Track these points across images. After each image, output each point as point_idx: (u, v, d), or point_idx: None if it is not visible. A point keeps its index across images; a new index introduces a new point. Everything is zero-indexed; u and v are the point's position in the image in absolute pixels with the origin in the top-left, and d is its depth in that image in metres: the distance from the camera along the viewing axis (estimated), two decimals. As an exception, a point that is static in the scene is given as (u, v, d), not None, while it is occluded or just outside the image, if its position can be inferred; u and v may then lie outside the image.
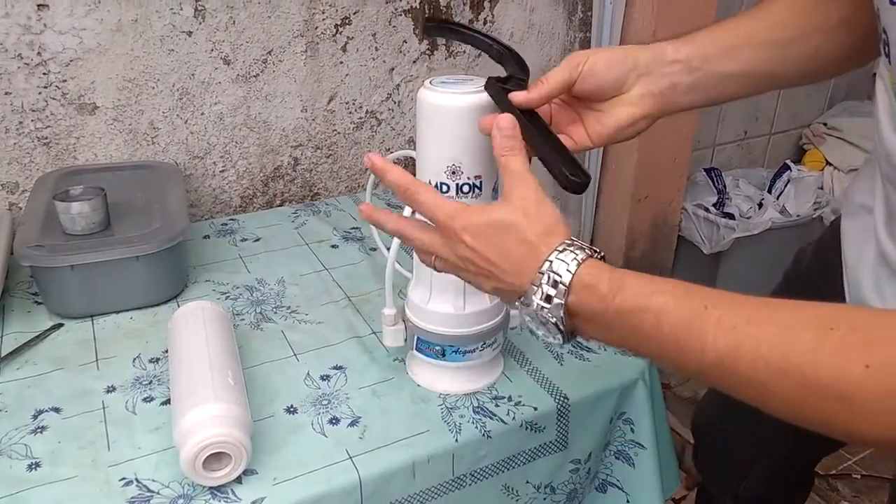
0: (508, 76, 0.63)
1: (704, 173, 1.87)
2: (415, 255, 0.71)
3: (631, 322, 0.44)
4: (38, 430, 0.68)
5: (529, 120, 0.58)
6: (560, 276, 0.46)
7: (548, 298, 0.46)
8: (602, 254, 0.48)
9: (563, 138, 0.61)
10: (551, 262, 0.47)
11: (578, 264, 0.46)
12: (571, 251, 0.47)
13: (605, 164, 1.55)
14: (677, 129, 1.49)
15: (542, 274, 0.47)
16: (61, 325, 0.84)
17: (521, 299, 0.49)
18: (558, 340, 0.48)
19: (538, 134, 0.57)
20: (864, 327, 0.37)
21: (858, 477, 1.45)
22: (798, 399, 0.38)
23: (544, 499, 0.77)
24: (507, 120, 0.53)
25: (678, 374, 0.45)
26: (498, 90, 0.61)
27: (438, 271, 0.55)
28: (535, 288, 0.47)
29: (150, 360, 0.78)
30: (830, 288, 0.70)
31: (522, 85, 0.61)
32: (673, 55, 0.60)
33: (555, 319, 0.46)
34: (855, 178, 0.69)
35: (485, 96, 0.63)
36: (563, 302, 0.46)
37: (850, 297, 0.67)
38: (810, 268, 0.82)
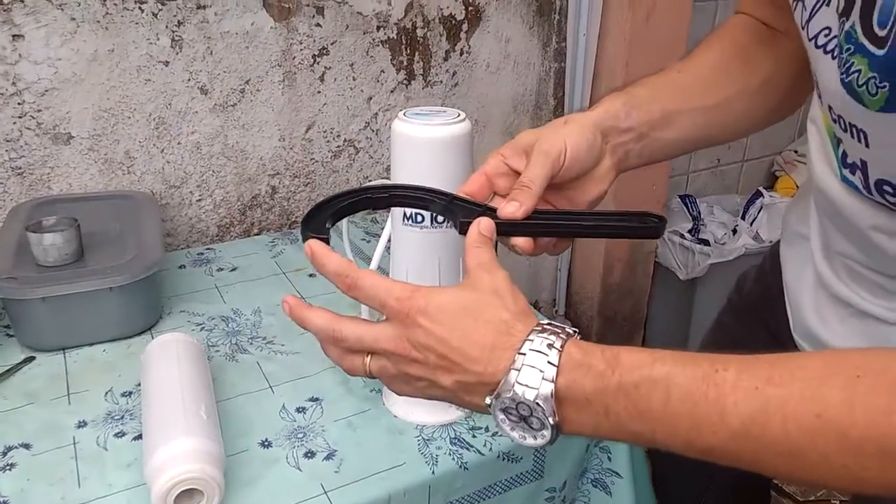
0: (474, 203, 0.56)
1: (679, 200, 1.89)
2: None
3: (635, 398, 0.38)
4: (7, 467, 0.67)
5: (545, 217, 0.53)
6: (547, 354, 0.39)
7: (530, 384, 0.39)
8: (580, 334, 0.42)
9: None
10: (532, 340, 0.40)
11: (564, 341, 0.40)
12: (553, 329, 0.41)
13: (582, 192, 1.56)
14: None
15: (523, 354, 0.40)
16: (33, 358, 0.83)
17: (493, 393, 0.41)
18: (544, 439, 0.41)
19: (572, 218, 0.55)
20: (887, 370, 0.35)
21: (837, 503, 1.45)
22: (836, 459, 0.34)
23: (522, 530, 0.77)
24: (487, 221, 0.50)
25: (691, 456, 0.38)
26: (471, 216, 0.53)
27: (369, 376, 0.47)
28: (515, 373, 0.40)
29: (123, 394, 0.77)
30: (772, 312, 0.73)
31: (490, 209, 0.54)
32: (625, 123, 0.59)
33: (541, 409, 0.39)
34: (790, 207, 0.73)
35: (458, 128, 0.64)
36: (552, 384, 0.39)
37: (792, 319, 0.69)
38: (753, 293, 0.84)
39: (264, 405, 0.76)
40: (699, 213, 1.88)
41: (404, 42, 1.26)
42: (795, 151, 2.06)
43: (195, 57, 1.08)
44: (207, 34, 1.08)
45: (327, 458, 0.69)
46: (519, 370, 0.39)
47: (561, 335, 0.40)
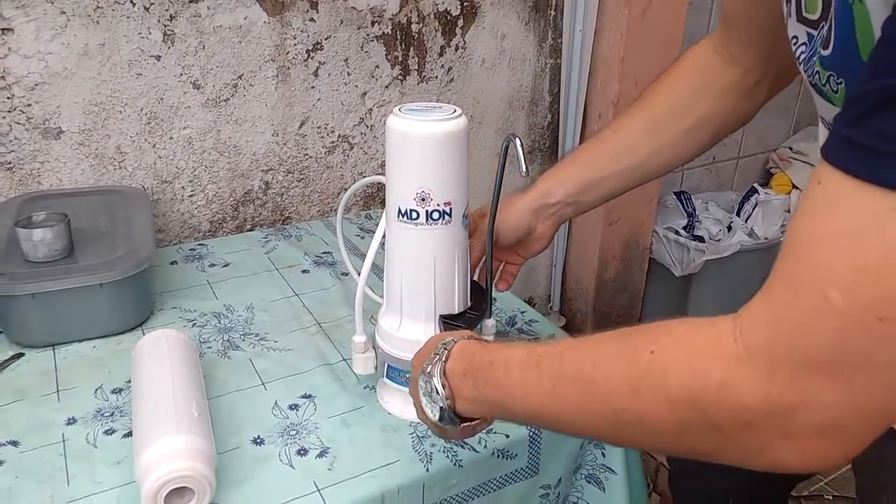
0: (461, 313, 0.71)
1: (674, 196, 1.89)
2: (385, 278, 0.71)
3: (489, 372, 0.49)
4: (-6, 465, 0.66)
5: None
6: (447, 345, 0.54)
7: (433, 365, 0.53)
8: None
9: (502, 284, 0.83)
10: (445, 341, 0.55)
11: (457, 340, 0.54)
12: (461, 334, 0.56)
13: (577, 188, 1.56)
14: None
15: (433, 354, 0.54)
16: (22, 354, 0.82)
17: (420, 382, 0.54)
18: (438, 404, 0.52)
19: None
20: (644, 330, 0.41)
21: (830, 498, 1.45)
22: (592, 403, 0.43)
23: (516, 525, 0.77)
24: None
25: (535, 423, 0.56)
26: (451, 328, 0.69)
27: None
28: (427, 364, 0.54)
29: (113, 391, 0.76)
30: None
31: (473, 319, 0.71)
32: (553, 198, 0.78)
33: (435, 379, 0.52)
34: None
35: (453, 123, 0.63)
36: (443, 361, 0.53)
37: None
38: None
39: (256, 402, 0.75)
40: (694, 209, 1.88)
41: (399, 37, 1.25)
42: (790, 149, 2.06)
43: (187, 51, 1.07)
44: (200, 28, 1.07)
45: (320, 455, 0.68)
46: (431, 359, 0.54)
47: (464, 335, 0.55)
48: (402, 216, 0.65)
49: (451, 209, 0.65)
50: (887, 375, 0.33)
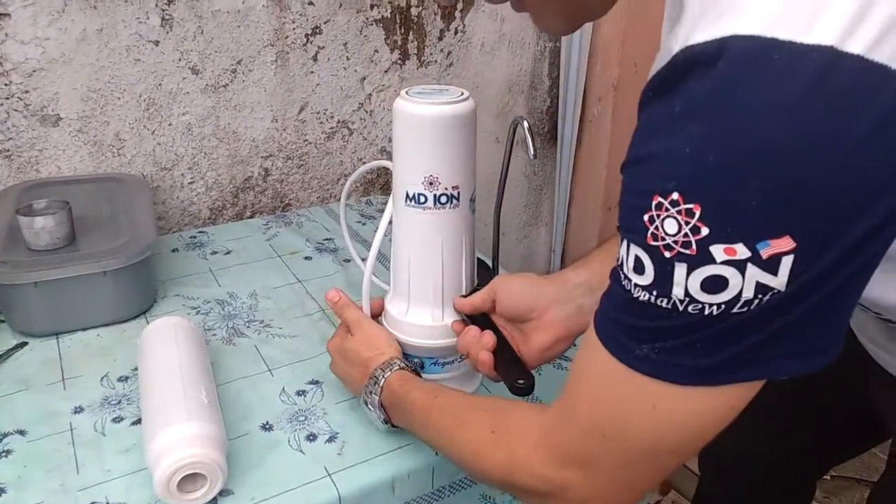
0: (470, 292, 0.70)
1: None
2: (392, 263, 0.70)
3: (405, 402, 0.62)
4: (3, 454, 0.65)
5: (488, 327, 0.66)
6: (378, 381, 0.65)
7: (371, 394, 0.66)
8: (412, 367, 0.67)
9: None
10: (375, 372, 0.66)
11: (391, 373, 0.65)
12: (390, 365, 0.66)
13: (576, 173, 1.56)
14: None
15: (371, 378, 0.66)
16: (25, 343, 0.81)
17: (363, 394, 0.67)
18: (381, 420, 0.66)
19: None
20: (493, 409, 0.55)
21: (828, 478, 1.47)
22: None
23: (521, 507, 0.77)
24: (331, 291, 0.74)
25: (432, 444, 0.63)
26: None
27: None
28: (366, 386, 0.66)
29: (119, 379, 0.76)
30: None
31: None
32: (574, 280, 0.65)
33: (376, 407, 0.65)
34: None
35: (462, 106, 0.63)
36: (378, 396, 0.65)
37: None
38: None
39: (264, 389, 0.75)
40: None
41: (398, 21, 1.24)
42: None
43: (186, 36, 1.06)
44: (198, 13, 1.06)
45: (329, 440, 0.68)
46: (367, 386, 0.67)
47: (393, 369, 0.66)
48: (410, 201, 0.65)
49: (458, 192, 0.65)
50: (618, 474, 0.45)
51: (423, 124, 0.62)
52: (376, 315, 0.75)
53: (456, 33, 1.32)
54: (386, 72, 1.27)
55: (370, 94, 1.27)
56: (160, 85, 1.06)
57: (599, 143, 1.49)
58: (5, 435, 0.68)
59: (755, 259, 0.34)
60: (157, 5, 1.02)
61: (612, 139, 1.46)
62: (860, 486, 1.47)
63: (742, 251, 0.34)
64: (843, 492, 1.46)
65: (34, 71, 0.97)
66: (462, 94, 0.65)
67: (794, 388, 0.61)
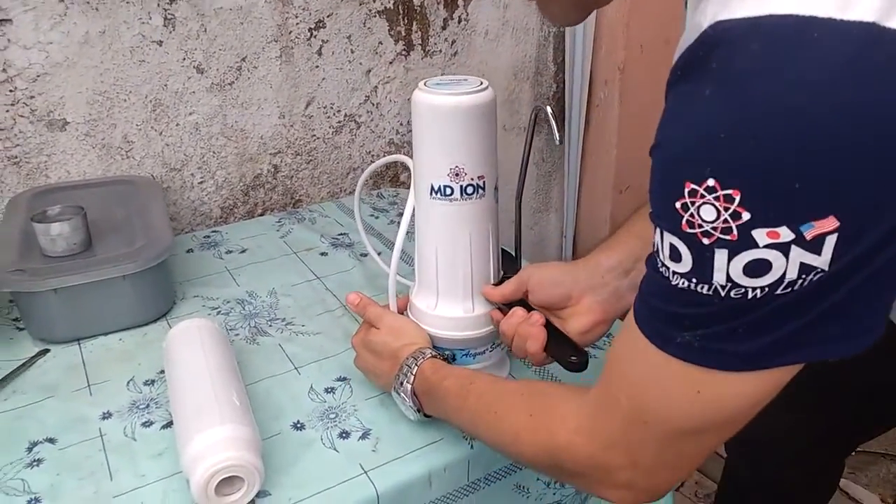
0: (499, 280, 0.71)
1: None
2: (417, 257, 0.70)
3: (440, 390, 0.62)
4: (34, 462, 0.65)
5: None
6: (411, 369, 0.65)
7: (403, 383, 0.65)
8: (443, 355, 0.66)
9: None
10: (407, 361, 0.65)
11: (424, 360, 0.64)
12: (422, 353, 0.65)
13: (587, 157, 1.55)
14: (656, 119, 1.50)
15: (403, 367, 0.65)
16: (47, 350, 0.81)
17: (393, 385, 0.67)
18: (413, 409, 0.65)
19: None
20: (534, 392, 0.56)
21: (853, 453, 1.46)
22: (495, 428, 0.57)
23: (553, 493, 0.77)
24: (351, 294, 0.74)
25: (466, 429, 0.65)
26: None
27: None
28: (398, 376, 0.66)
29: (145, 383, 0.75)
30: None
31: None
32: (606, 264, 0.65)
33: (409, 395, 0.65)
34: None
35: (483, 95, 0.62)
36: (411, 385, 0.64)
37: None
38: None
39: (292, 387, 0.74)
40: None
41: (402, 12, 1.23)
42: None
43: (189, 35, 1.05)
44: (200, 11, 1.04)
45: (363, 437, 0.68)
46: (400, 374, 0.66)
47: (426, 356, 0.65)
48: (436, 193, 0.64)
49: (484, 182, 0.64)
50: (662, 455, 0.45)
51: (447, 116, 0.61)
52: (401, 312, 0.74)
53: (459, 22, 1.31)
54: (391, 63, 1.26)
55: (376, 87, 1.26)
56: (166, 85, 1.05)
57: (608, 126, 1.48)
58: (36, 444, 0.67)
59: (799, 241, 0.34)
60: (158, 5, 1.01)
61: (620, 122, 1.45)
62: (885, 459, 1.47)
63: (786, 234, 0.34)
64: (868, 467, 1.46)
65: (38, 76, 0.96)
66: (481, 83, 0.64)
67: (824, 367, 0.61)
